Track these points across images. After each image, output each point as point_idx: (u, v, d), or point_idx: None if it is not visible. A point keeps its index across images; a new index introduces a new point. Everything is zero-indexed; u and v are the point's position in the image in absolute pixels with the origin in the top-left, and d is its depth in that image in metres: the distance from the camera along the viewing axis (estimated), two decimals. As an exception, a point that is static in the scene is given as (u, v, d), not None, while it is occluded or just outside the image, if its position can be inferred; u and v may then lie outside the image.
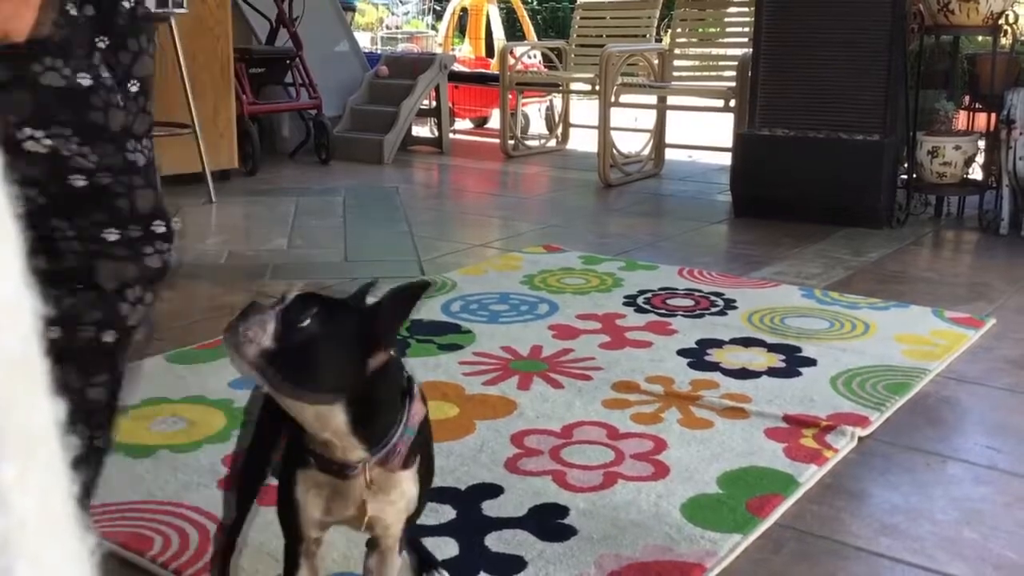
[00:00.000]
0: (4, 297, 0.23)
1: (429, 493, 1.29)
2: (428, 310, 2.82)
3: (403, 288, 1.08)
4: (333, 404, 1.05)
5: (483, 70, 7.92)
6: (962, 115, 4.40)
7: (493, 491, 1.75)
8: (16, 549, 0.22)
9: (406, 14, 12.20)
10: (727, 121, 4.98)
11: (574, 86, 6.36)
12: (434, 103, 6.25)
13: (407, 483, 1.16)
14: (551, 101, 7.04)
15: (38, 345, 0.25)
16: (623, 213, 4.48)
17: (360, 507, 1.13)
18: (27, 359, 0.24)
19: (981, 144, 4.19)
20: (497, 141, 6.30)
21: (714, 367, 2.39)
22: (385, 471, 1.12)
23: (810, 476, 1.82)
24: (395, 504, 1.16)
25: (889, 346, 2.55)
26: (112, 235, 1.05)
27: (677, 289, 3.07)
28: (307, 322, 1.02)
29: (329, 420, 1.06)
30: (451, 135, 6.50)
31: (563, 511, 1.68)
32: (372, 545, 1.24)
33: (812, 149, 4.09)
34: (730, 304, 2.90)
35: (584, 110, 6.78)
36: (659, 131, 5.56)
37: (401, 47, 9.75)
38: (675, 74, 5.54)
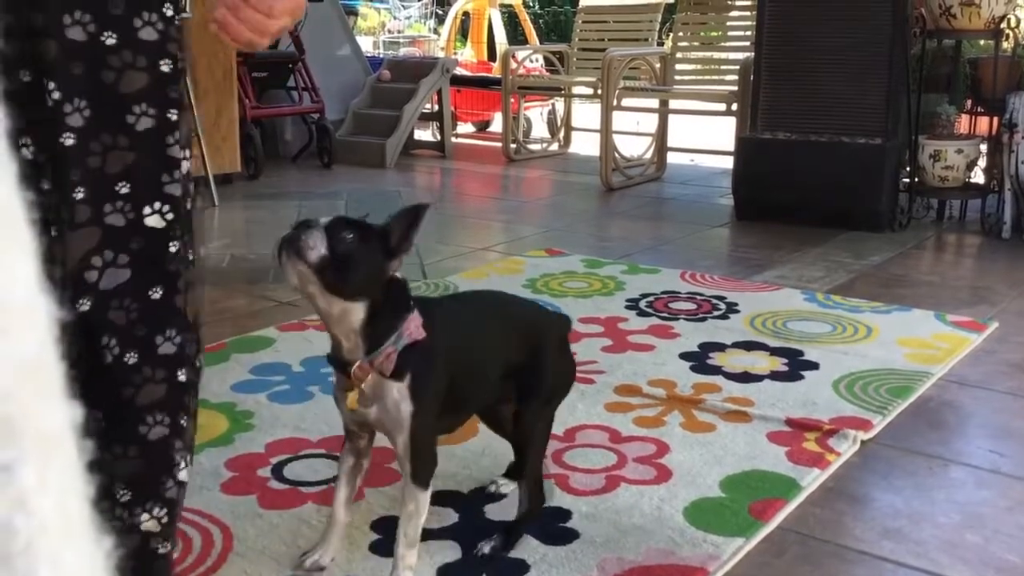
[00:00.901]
0: (19, 301, 0.23)
1: (432, 436, 1.45)
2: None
3: (409, 208, 1.35)
4: (358, 303, 1.32)
5: (485, 74, 7.93)
6: (964, 119, 4.40)
7: (496, 495, 1.75)
8: (38, 552, 0.22)
9: (408, 18, 12.21)
10: (729, 125, 4.98)
11: (576, 90, 6.36)
12: (436, 107, 6.26)
13: (397, 393, 1.36)
14: (553, 105, 7.05)
15: (53, 348, 0.25)
16: (625, 216, 4.49)
17: (362, 405, 1.37)
18: (43, 362, 0.24)
19: (983, 148, 4.19)
20: (499, 145, 6.31)
21: (716, 371, 2.39)
22: (378, 377, 1.35)
23: (812, 480, 1.82)
24: (389, 413, 1.37)
25: (891, 350, 2.55)
26: None
27: (679, 293, 3.07)
28: (350, 236, 1.30)
29: (350, 317, 1.33)
30: (453, 139, 6.51)
31: (566, 515, 1.68)
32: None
33: (814, 153, 4.09)
34: (732, 308, 2.91)
35: (586, 114, 6.79)
36: (661, 135, 5.56)
37: (403, 51, 9.76)
38: (677, 78, 5.55)
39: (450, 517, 1.67)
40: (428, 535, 1.60)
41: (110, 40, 0.99)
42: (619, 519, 1.67)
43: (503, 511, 1.69)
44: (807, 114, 4.16)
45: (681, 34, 5.65)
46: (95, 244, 1.01)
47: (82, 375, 1.00)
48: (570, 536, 1.61)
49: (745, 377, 2.34)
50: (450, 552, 1.56)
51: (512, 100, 6.11)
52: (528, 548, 1.57)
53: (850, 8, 4.04)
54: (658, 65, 5.53)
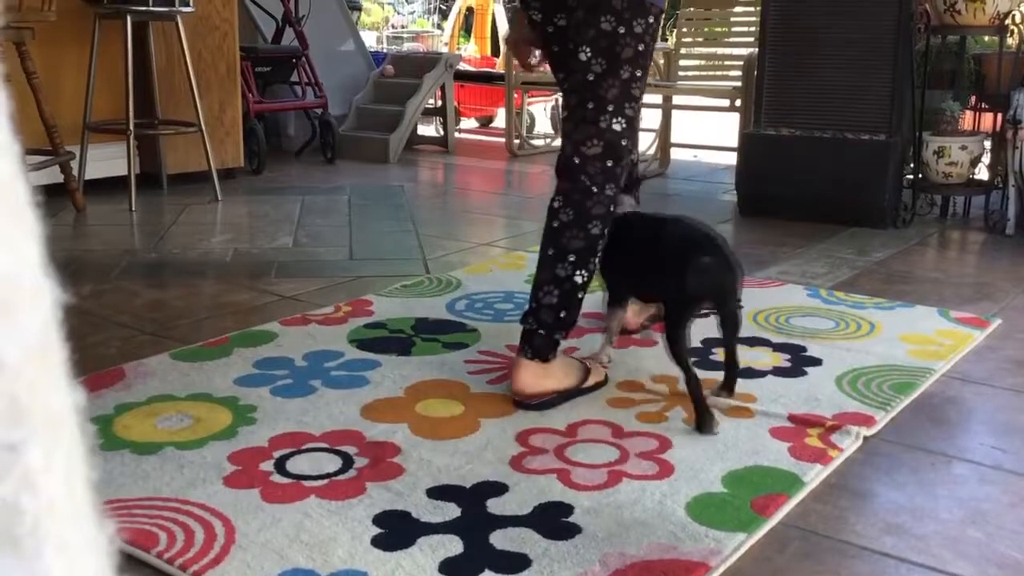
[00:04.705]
0: (25, 282, 0.23)
1: None
2: (433, 309, 2.82)
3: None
4: None
5: (488, 69, 7.93)
6: (968, 115, 4.40)
7: (498, 489, 1.75)
8: (44, 533, 0.22)
9: (412, 13, 12.20)
10: (733, 121, 4.98)
11: (579, 85, 6.35)
12: (440, 102, 6.25)
13: None
14: (556, 100, 7.05)
15: (57, 330, 0.25)
16: (628, 212, 4.48)
17: None
18: (47, 344, 0.24)
19: (987, 144, 4.19)
20: (502, 140, 6.31)
21: (719, 366, 2.39)
22: None
23: (815, 475, 1.82)
24: None
25: (894, 346, 2.54)
26: None
27: (682, 288, 3.06)
28: None
29: None
30: (456, 134, 6.51)
31: (568, 509, 1.68)
32: None
33: (818, 149, 4.09)
34: (735, 303, 2.90)
35: (589, 110, 6.77)
36: (665, 130, 5.56)
37: (407, 46, 9.76)
38: (681, 74, 5.54)
39: (453, 511, 1.67)
40: (430, 529, 1.61)
41: (621, 29, 2.00)
42: (621, 514, 1.67)
43: (505, 506, 1.69)
44: (811, 110, 4.15)
45: (685, 30, 5.64)
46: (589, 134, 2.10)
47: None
48: (572, 531, 1.61)
49: (748, 373, 2.34)
50: (453, 546, 1.56)
51: (515, 95, 6.11)
52: (530, 542, 1.57)
53: (854, 4, 4.03)
54: (662, 61, 5.53)
